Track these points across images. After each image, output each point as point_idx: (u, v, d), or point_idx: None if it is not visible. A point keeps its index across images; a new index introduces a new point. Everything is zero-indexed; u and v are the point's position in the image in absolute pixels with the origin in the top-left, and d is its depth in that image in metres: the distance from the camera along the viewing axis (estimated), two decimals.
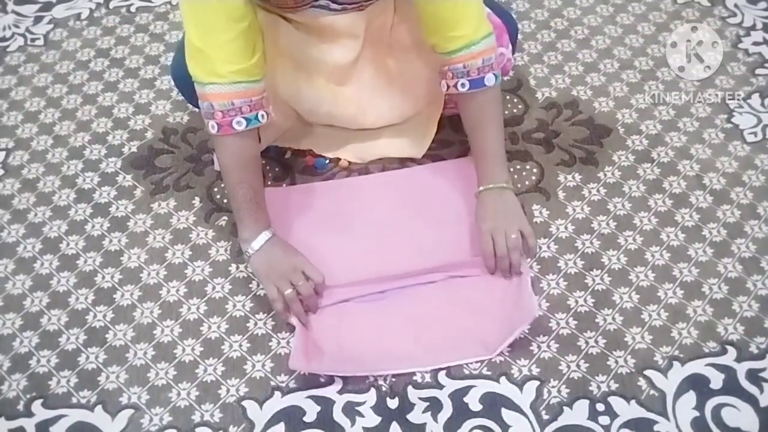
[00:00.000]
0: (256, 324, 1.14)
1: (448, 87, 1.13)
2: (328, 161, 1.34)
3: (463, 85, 1.11)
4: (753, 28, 1.58)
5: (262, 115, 1.07)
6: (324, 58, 1.20)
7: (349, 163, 1.34)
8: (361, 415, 1.03)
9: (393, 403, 1.04)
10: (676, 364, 1.07)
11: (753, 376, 1.06)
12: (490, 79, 1.11)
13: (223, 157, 1.11)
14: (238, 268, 1.20)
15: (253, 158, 1.11)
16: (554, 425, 1.02)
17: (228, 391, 1.07)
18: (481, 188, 1.16)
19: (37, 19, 1.68)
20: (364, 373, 1.06)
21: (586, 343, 1.10)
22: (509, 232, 1.11)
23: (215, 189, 1.31)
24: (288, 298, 1.08)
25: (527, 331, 1.10)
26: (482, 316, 1.11)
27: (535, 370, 1.07)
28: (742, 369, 1.07)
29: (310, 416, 1.03)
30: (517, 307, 1.09)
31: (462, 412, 1.03)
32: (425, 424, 1.02)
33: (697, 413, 1.02)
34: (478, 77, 1.11)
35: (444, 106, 1.31)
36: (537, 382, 1.06)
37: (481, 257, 1.14)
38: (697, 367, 1.07)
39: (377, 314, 1.12)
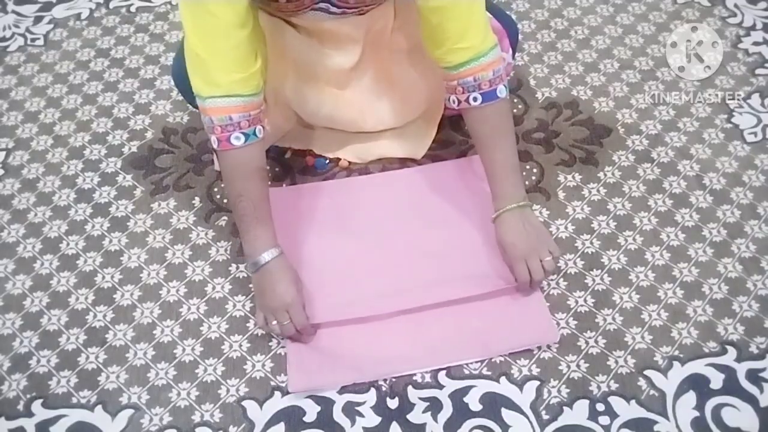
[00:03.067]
0: (256, 324, 1.14)
1: (459, 102, 1.09)
2: (328, 161, 1.34)
3: (475, 99, 1.07)
4: (753, 28, 1.58)
5: (260, 130, 1.04)
6: (325, 62, 1.20)
7: (349, 163, 1.34)
8: (361, 415, 1.03)
9: (393, 403, 1.04)
10: (676, 364, 1.07)
11: (753, 376, 1.06)
12: (501, 91, 1.07)
13: (224, 170, 1.07)
14: (238, 268, 1.20)
15: (256, 170, 1.06)
16: (554, 425, 1.02)
17: (228, 391, 1.07)
18: (501, 210, 1.10)
19: (37, 19, 1.68)
20: (365, 380, 1.06)
21: (586, 343, 1.10)
22: (543, 255, 1.09)
23: (215, 189, 1.32)
24: (271, 329, 1.08)
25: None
26: (484, 319, 1.11)
27: (535, 370, 1.07)
28: (742, 369, 1.07)
29: (310, 416, 1.03)
30: (532, 323, 1.10)
31: (462, 412, 1.03)
32: (425, 424, 1.02)
33: (697, 413, 1.02)
34: (490, 90, 1.06)
35: (444, 108, 1.31)
36: (537, 382, 1.06)
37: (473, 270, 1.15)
38: (697, 367, 1.07)
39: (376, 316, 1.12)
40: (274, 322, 1.06)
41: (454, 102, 1.11)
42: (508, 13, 1.30)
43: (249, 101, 1.02)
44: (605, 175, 1.32)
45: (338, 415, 1.03)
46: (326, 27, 1.15)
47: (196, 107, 1.33)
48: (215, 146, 1.04)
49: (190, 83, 1.02)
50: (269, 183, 1.28)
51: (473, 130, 1.13)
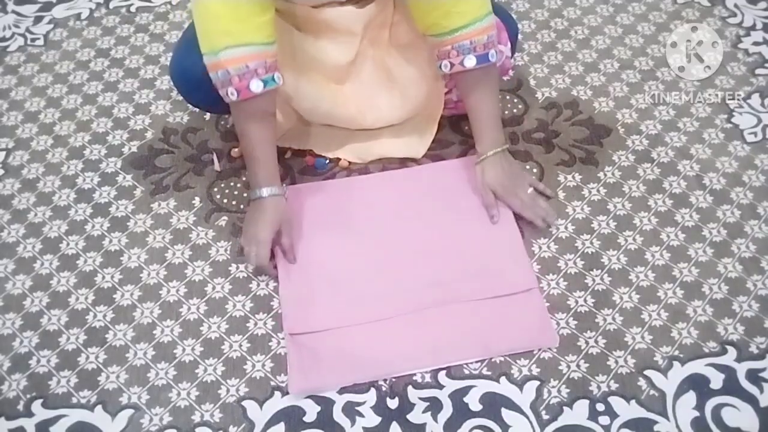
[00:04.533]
0: (256, 324, 1.14)
1: (452, 66, 1.13)
2: (328, 161, 1.34)
3: (470, 60, 1.12)
4: (753, 28, 1.58)
5: (278, 77, 1.07)
6: (322, 56, 1.20)
7: (349, 163, 1.34)
8: (361, 415, 1.03)
9: (393, 403, 1.04)
10: (676, 364, 1.07)
11: (753, 376, 1.06)
12: (493, 56, 1.13)
13: (234, 113, 1.12)
14: (238, 268, 1.20)
15: (264, 114, 1.12)
16: (554, 425, 1.02)
17: (228, 391, 1.07)
18: (487, 154, 1.19)
19: (37, 19, 1.68)
20: (365, 380, 1.06)
21: (586, 343, 1.10)
22: (525, 189, 1.22)
23: (215, 189, 1.32)
24: (245, 256, 1.16)
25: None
26: (484, 319, 1.11)
27: (535, 370, 1.07)
28: (742, 369, 1.07)
29: (310, 416, 1.03)
30: (531, 326, 1.10)
31: (462, 412, 1.03)
32: (425, 424, 1.02)
33: (697, 413, 1.02)
34: (483, 53, 1.12)
35: (444, 106, 1.31)
36: (537, 382, 1.06)
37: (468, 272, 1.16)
38: (697, 367, 1.07)
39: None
40: (246, 250, 1.15)
41: (445, 67, 1.14)
42: (508, 12, 1.30)
43: (263, 50, 1.04)
44: (605, 175, 1.32)
45: (338, 415, 1.03)
46: (324, 18, 1.15)
47: (196, 106, 1.35)
48: (234, 98, 1.06)
49: (201, 44, 1.05)
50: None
51: (462, 88, 1.20)
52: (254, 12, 1.03)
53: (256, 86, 1.05)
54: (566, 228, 1.24)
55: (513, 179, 1.21)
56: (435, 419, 1.03)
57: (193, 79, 1.17)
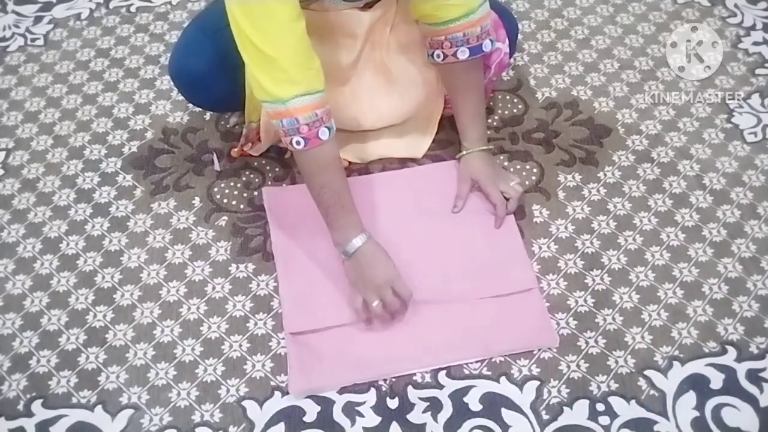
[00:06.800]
0: (256, 324, 1.14)
1: (445, 56, 1.14)
2: None
3: (463, 52, 1.13)
4: (753, 28, 1.58)
5: (333, 123, 1.06)
6: (324, 59, 1.20)
7: (349, 163, 1.34)
8: (361, 415, 1.03)
9: (393, 403, 1.04)
10: (676, 364, 1.07)
11: (753, 376, 1.06)
12: (487, 46, 1.14)
13: (305, 165, 1.07)
14: (237, 268, 1.20)
15: (335, 160, 1.07)
16: (554, 425, 1.02)
17: (228, 391, 1.07)
18: (472, 149, 1.21)
19: (37, 19, 1.68)
20: (365, 380, 1.06)
21: (586, 343, 1.10)
22: (510, 182, 1.22)
23: (215, 189, 1.32)
24: (374, 311, 1.07)
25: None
26: (484, 319, 1.11)
27: (535, 370, 1.07)
28: (742, 369, 1.07)
29: (310, 416, 1.03)
30: (532, 326, 1.10)
31: (462, 412, 1.03)
32: (425, 424, 1.02)
33: (697, 413, 1.02)
34: (477, 44, 1.12)
35: (444, 106, 1.31)
36: (537, 382, 1.06)
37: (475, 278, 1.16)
38: (697, 367, 1.07)
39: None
40: (375, 303, 1.06)
41: (438, 57, 1.15)
42: (508, 10, 1.30)
43: (324, 96, 1.03)
44: (605, 175, 1.32)
45: (338, 415, 1.03)
46: (329, 21, 1.14)
47: (197, 105, 1.34)
48: (301, 147, 1.02)
49: (260, 94, 1.01)
50: (269, 183, 1.28)
51: (451, 79, 1.20)
52: (309, 57, 1.01)
53: (324, 134, 1.02)
54: (566, 228, 1.24)
55: (497, 171, 1.23)
56: (435, 419, 1.03)
57: (193, 78, 1.16)
